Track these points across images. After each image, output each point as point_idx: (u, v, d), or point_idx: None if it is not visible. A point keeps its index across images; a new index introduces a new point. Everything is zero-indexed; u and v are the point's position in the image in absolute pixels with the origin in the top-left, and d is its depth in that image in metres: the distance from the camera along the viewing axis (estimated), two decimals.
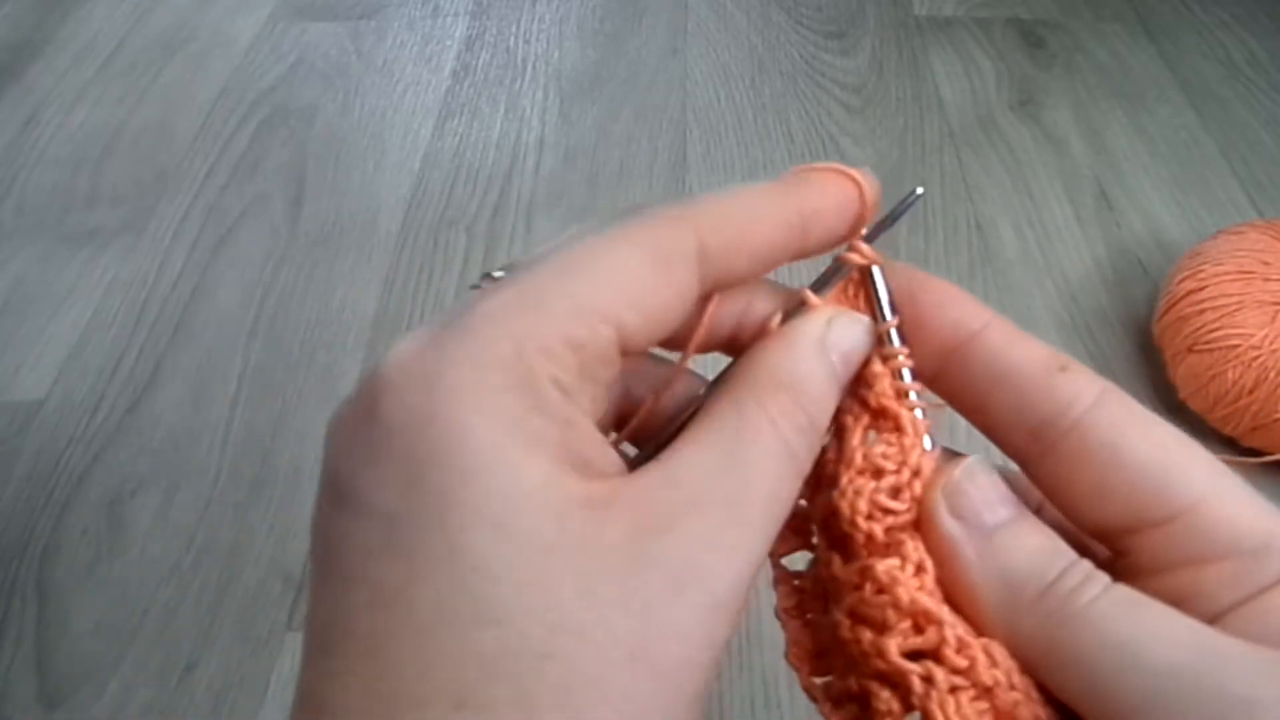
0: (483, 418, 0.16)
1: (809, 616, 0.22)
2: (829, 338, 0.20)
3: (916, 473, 0.20)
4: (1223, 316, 0.53)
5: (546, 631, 0.15)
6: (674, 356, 0.22)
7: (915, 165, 0.75)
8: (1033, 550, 0.18)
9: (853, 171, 0.21)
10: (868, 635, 0.19)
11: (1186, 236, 0.68)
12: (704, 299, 0.20)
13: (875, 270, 0.21)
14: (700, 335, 0.21)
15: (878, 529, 0.20)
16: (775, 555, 0.22)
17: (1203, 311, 0.54)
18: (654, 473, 0.17)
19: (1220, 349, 0.53)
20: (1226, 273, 0.55)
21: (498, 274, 0.19)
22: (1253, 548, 0.17)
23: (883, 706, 0.19)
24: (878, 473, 0.20)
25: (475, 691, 0.15)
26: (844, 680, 0.20)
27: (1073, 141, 0.77)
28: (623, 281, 0.18)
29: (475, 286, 0.19)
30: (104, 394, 0.61)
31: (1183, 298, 0.56)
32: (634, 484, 0.17)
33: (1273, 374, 0.51)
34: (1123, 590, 0.17)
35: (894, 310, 0.21)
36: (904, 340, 0.21)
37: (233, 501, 0.55)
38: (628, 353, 0.18)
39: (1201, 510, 0.17)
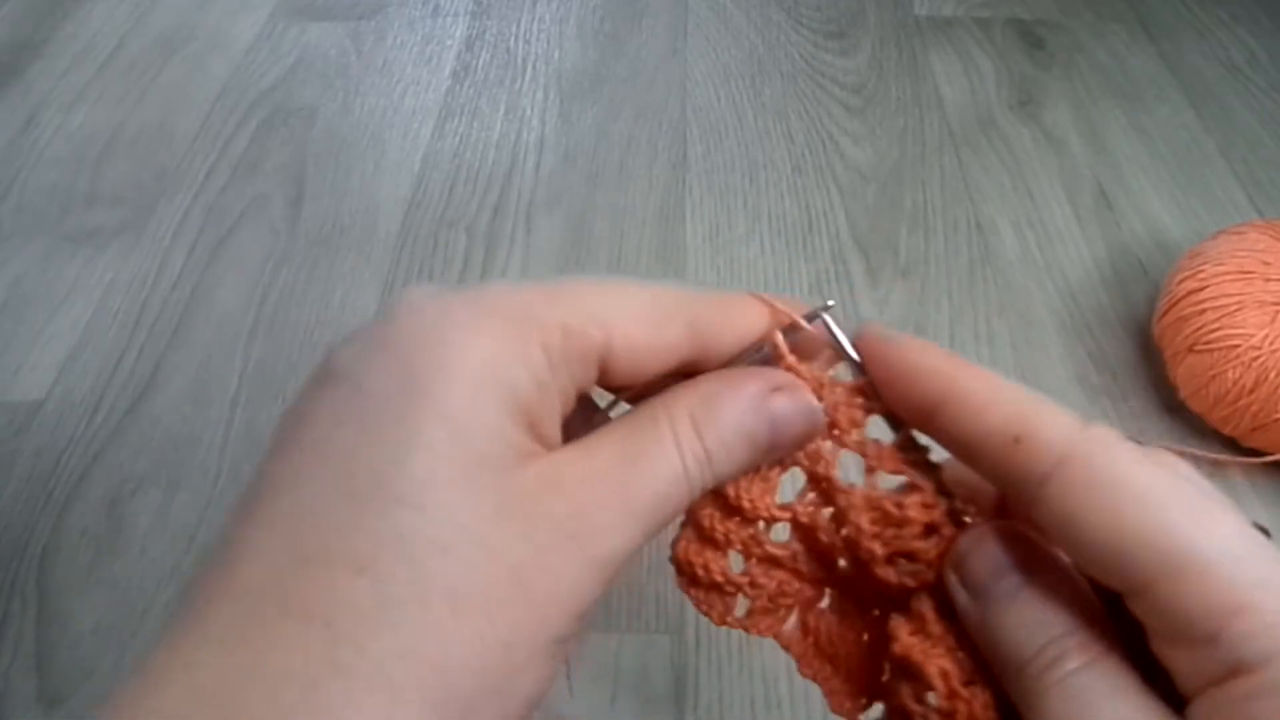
0: (476, 346, 0.18)
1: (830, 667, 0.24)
2: (770, 400, 0.21)
3: (932, 529, 0.22)
4: (1223, 316, 0.53)
5: (456, 532, 0.17)
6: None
7: (915, 165, 0.75)
8: (1017, 625, 0.19)
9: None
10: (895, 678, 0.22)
11: (1186, 236, 0.68)
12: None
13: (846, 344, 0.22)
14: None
15: (893, 575, 0.22)
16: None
17: (1203, 311, 0.54)
18: (571, 450, 0.20)
19: (1220, 349, 0.53)
20: (1227, 273, 0.55)
21: None
22: (1202, 637, 0.16)
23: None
24: (900, 523, 0.22)
25: (378, 563, 0.17)
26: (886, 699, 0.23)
27: (1073, 141, 0.77)
28: (624, 310, 0.20)
29: None
30: (104, 394, 0.61)
31: (1183, 298, 0.56)
32: (555, 453, 0.19)
33: (1273, 374, 0.51)
34: (1089, 675, 0.18)
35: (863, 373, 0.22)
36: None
37: (233, 501, 0.55)
38: (605, 375, 0.20)
39: (1158, 591, 0.17)
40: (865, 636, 0.24)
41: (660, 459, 0.20)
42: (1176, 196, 0.72)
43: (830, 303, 0.22)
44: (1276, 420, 0.52)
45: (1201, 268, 0.56)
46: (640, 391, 0.22)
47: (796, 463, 0.22)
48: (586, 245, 0.70)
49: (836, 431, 0.22)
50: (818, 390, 0.22)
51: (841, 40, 0.89)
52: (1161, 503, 0.17)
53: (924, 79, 0.84)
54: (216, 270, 0.69)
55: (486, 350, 0.18)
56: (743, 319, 0.22)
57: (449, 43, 0.89)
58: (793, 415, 0.21)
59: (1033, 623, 0.19)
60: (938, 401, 0.20)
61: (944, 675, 0.20)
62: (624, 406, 0.23)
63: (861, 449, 0.22)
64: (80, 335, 0.64)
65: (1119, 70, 0.84)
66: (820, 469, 0.22)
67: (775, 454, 0.22)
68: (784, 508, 0.23)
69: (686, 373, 0.22)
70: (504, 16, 0.92)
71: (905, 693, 0.21)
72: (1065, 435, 0.18)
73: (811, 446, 0.22)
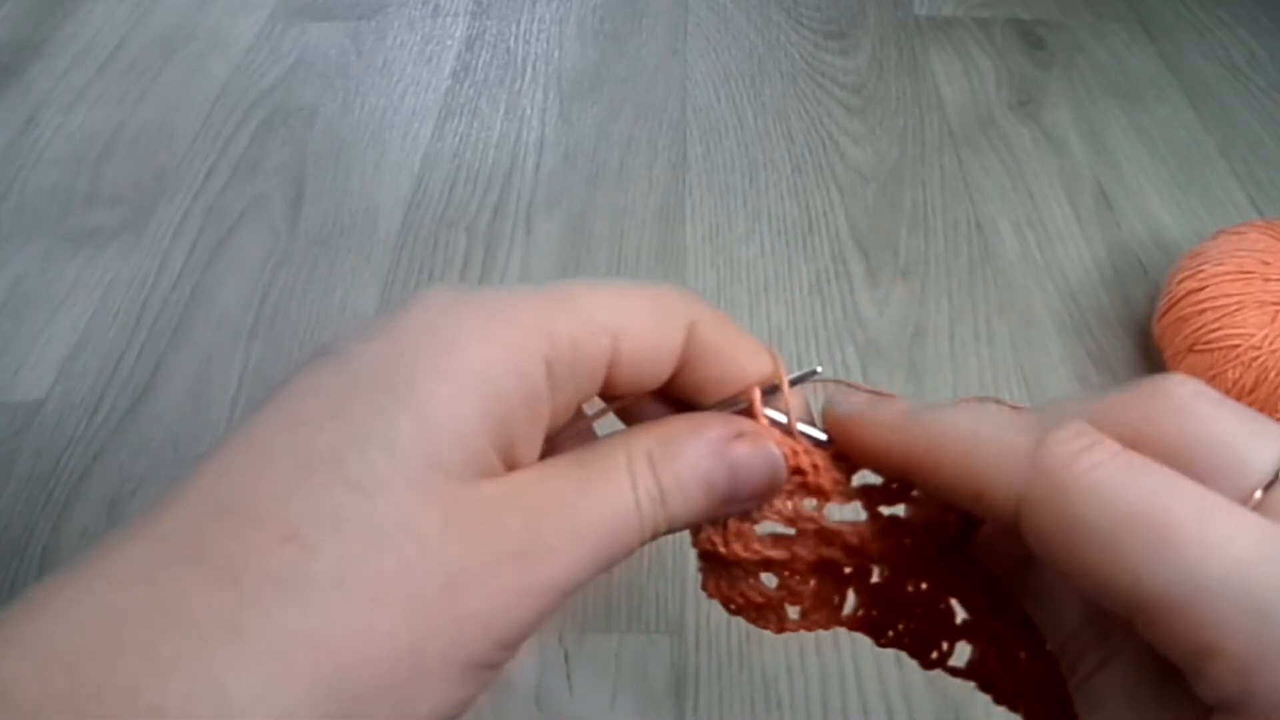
0: (475, 351, 0.18)
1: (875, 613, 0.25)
2: (730, 447, 0.20)
3: (946, 538, 0.22)
4: (1223, 316, 0.53)
5: (397, 527, 0.17)
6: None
7: (915, 165, 0.75)
8: (1041, 622, 0.21)
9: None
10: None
11: (1186, 236, 0.68)
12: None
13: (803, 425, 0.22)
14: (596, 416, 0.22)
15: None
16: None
17: (1203, 311, 0.54)
18: (529, 472, 0.19)
19: (1220, 349, 0.53)
20: (1227, 273, 0.55)
21: None
22: (1188, 672, 0.16)
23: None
24: (913, 537, 0.22)
25: (308, 535, 0.16)
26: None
27: (1073, 141, 0.77)
28: (629, 312, 0.20)
29: None
30: (104, 394, 0.61)
31: (1183, 298, 0.56)
32: (514, 473, 0.19)
33: (1273, 374, 0.51)
34: (1100, 680, 0.18)
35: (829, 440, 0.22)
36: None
37: None
38: (609, 385, 0.20)
39: (1137, 628, 0.16)
40: (924, 585, 0.24)
41: (613, 491, 0.19)
42: (1176, 196, 0.72)
43: (818, 368, 0.22)
44: (1277, 420, 0.52)
45: (1201, 268, 0.56)
46: (629, 405, 0.22)
47: (769, 518, 0.22)
48: (586, 245, 0.70)
49: (822, 494, 0.22)
50: (793, 457, 0.21)
51: (841, 40, 0.89)
52: (1119, 538, 0.16)
53: (924, 79, 0.84)
54: (216, 270, 0.69)
55: (484, 358, 0.18)
56: (741, 347, 0.22)
57: (449, 43, 0.89)
58: (753, 463, 0.20)
59: (1049, 621, 0.19)
60: (902, 473, 0.20)
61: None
62: (611, 418, 0.23)
63: (852, 498, 0.22)
64: (80, 335, 0.64)
65: (1119, 70, 0.84)
66: (804, 526, 0.22)
67: (736, 504, 0.21)
68: (779, 542, 0.22)
69: (669, 394, 0.22)
70: (504, 16, 0.92)
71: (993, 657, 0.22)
72: (1017, 480, 0.17)
73: (788, 507, 0.22)
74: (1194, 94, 0.81)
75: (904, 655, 0.24)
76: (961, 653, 0.24)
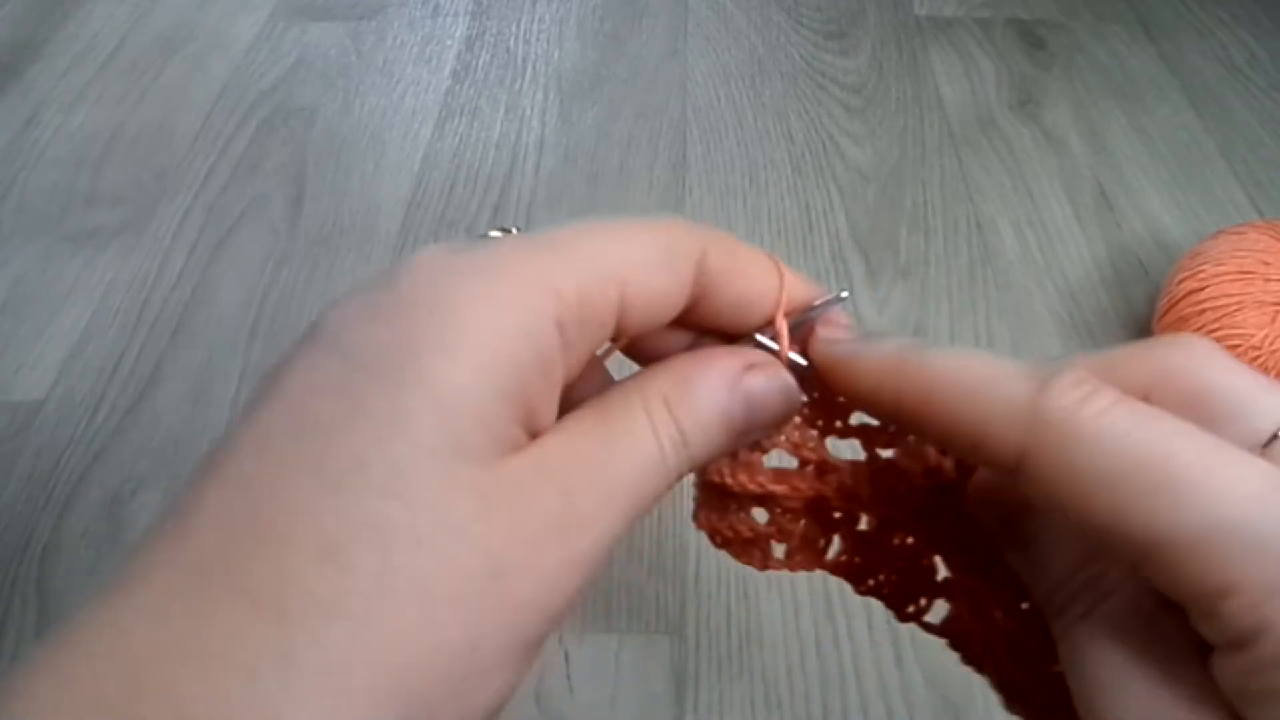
0: (484, 322, 0.17)
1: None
2: (743, 379, 0.20)
3: (935, 474, 0.22)
4: (1223, 317, 0.53)
5: (434, 525, 0.16)
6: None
7: (915, 165, 0.75)
8: (1026, 571, 0.20)
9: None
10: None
11: (1186, 236, 0.68)
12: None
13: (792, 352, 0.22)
14: (621, 341, 0.22)
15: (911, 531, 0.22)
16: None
17: (1203, 312, 0.54)
18: (552, 437, 0.18)
19: None
20: (1227, 273, 0.55)
21: (512, 230, 0.21)
22: (1199, 615, 0.16)
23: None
24: (905, 486, 0.22)
25: (343, 551, 0.15)
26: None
27: (1073, 141, 0.77)
28: (635, 256, 0.19)
29: (488, 235, 0.20)
30: (104, 394, 0.61)
31: (1183, 298, 0.56)
32: (538, 442, 0.18)
33: (1273, 374, 0.51)
34: (1089, 624, 0.18)
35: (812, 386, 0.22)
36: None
37: None
38: (618, 329, 0.19)
39: (1147, 571, 0.16)
40: (909, 540, 0.23)
41: (637, 443, 0.19)
42: (1176, 196, 0.72)
43: (844, 294, 0.22)
44: None
45: (1201, 268, 0.56)
46: (635, 343, 0.22)
47: (778, 446, 0.22)
48: None
49: (838, 424, 0.22)
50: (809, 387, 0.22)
51: (842, 40, 0.89)
52: (1128, 484, 0.16)
53: (924, 79, 0.84)
54: (216, 270, 0.69)
55: (493, 328, 0.17)
56: (751, 268, 0.21)
57: (449, 43, 0.89)
58: (768, 394, 0.20)
59: (1036, 569, 0.19)
60: (894, 418, 0.20)
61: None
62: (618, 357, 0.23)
63: (850, 434, 0.22)
64: (80, 335, 0.64)
65: (1119, 70, 0.84)
66: (808, 454, 0.22)
67: (754, 434, 0.21)
68: (780, 477, 0.22)
69: (681, 324, 0.21)
70: (504, 16, 0.92)
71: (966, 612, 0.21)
72: (1019, 429, 0.17)
73: (796, 434, 0.22)
74: (1194, 94, 0.81)
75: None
76: (939, 610, 0.24)
